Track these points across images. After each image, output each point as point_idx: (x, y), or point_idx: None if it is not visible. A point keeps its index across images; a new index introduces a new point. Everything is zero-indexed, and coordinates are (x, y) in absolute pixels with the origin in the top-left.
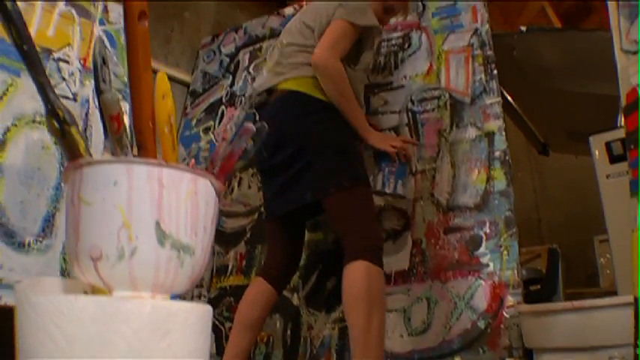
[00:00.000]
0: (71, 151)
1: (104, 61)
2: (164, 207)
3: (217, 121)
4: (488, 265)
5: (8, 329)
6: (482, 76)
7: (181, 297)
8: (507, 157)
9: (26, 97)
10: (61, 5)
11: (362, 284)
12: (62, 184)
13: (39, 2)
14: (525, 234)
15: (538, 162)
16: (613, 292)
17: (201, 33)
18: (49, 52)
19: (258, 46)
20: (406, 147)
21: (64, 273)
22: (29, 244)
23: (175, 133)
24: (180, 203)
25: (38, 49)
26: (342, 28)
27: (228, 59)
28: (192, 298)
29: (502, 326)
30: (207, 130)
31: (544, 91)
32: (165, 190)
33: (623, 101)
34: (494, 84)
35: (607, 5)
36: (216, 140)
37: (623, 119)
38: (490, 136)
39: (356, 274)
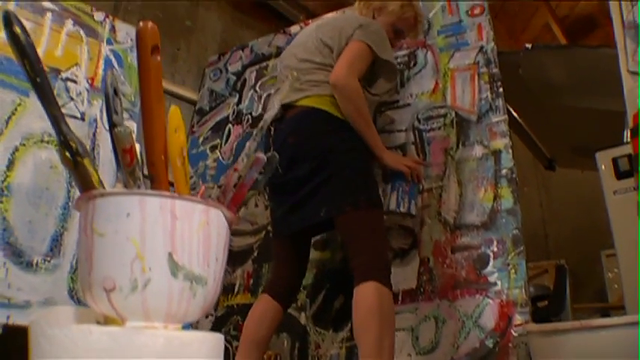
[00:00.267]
0: (84, 182)
1: (115, 92)
2: (177, 238)
3: (224, 140)
4: (495, 284)
5: (19, 348)
6: (489, 93)
7: (193, 325)
8: (514, 175)
9: (34, 117)
10: (69, 25)
11: (374, 305)
12: (70, 204)
13: (47, 22)
14: (532, 249)
15: (544, 177)
16: (621, 307)
17: (208, 51)
18: (57, 71)
19: (264, 64)
20: (419, 167)
21: (72, 293)
22: (37, 264)
23: (187, 166)
24: (192, 234)
25: (46, 69)
26: (360, 50)
27: (234, 77)
28: None
29: (510, 345)
30: (213, 149)
31: (550, 107)
32: (178, 221)
33: (630, 122)
34: (500, 102)
35: (612, 26)
36: (223, 158)
37: (629, 137)
38: (497, 154)
39: (367, 294)
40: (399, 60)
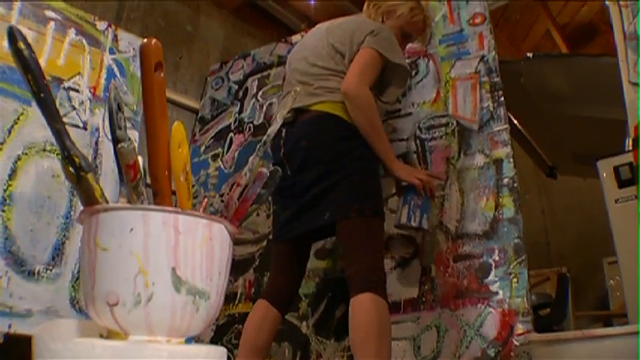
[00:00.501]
0: (87, 196)
1: (119, 107)
2: (180, 253)
3: (226, 148)
4: (497, 293)
5: (21, 357)
6: (490, 103)
7: (196, 339)
8: (515, 184)
9: (37, 126)
10: (72, 34)
11: (372, 318)
12: (72, 213)
13: (50, 32)
14: (534, 257)
15: (546, 184)
16: (623, 315)
17: (210, 60)
18: (59, 81)
19: (266, 73)
20: (432, 181)
21: (74, 302)
22: (39, 273)
23: (191, 181)
24: (195, 249)
25: (49, 78)
26: (371, 57)
27: (236, 86)
28: None
29: (512, 354)
30: (215, 157)
31: (551, 115)
32: (182, 236)
33: (631, 133)
34: (501, 111)
35: (613, 34)
36: (225, 167)
37: (630, 146)
38: (498, 163)
39: (365, 307)
40: None
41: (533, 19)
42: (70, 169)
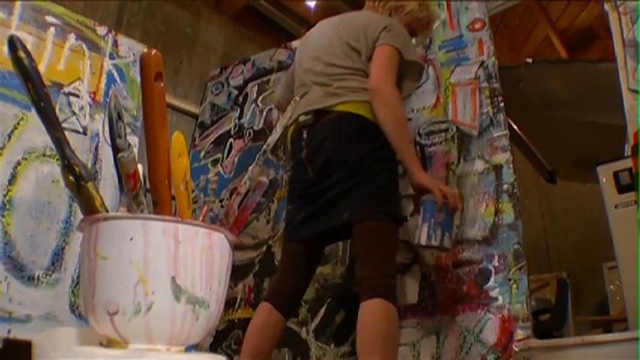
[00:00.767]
0: (87, 205)
1: (119, 116)
2: (180, 262)
3: (225, 154)
4: (497, 299)
5: None
6: (490, 108)
7: (196, 346)
8: (515, 190)
9: (37, 131)
10: (72, 40)
11: (381, 324)
12: (72, 218)
13: (50, 37)
14: (534, 261)
15: (546, 189)
16: (623, 320)
17: (210, 65)
18: (59, 86)
19: (266, 78)
20: (455, 198)
21: (73, 307)
22: (38, 278)
23: (191, 190)
24: (195, 258)
25: (49, 83)
26: (391, 55)
27: (236, 91)
28: None
29: None
30: (215, 162)
31: (551, 120)
32: (181, 245)
33: (631, 140)
34: (501, 116)
35: (612, 39)
36: (224, 172)
37: (630, 153)
38: (498, 168)
39: (375, 313)
40: None
41: (533, 24)
42: (70, 177)
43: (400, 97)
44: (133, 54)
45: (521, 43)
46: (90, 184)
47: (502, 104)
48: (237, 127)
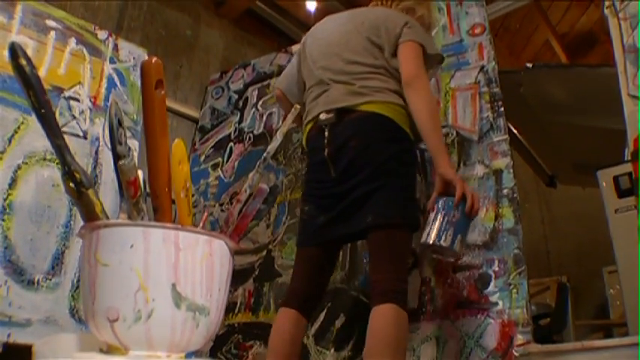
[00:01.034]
0: (87, 211)
1: (120, 123)
2: (180, 269)
3: (225, 158)
4: (497, 304)
5: None
6: (490, 113)
7: (196, 353)
8: (515, 195)
9: (37, 135)
10: (72, 44)
11: (392, 330)
12: (72, 223)
13: (51, 41)
14: (534, 265)
15: (546, 193)
16: (623, 324)
17: (210, 69)
18: (60, 90)
19: (266, 82)
20: (478, 200)
21: (73, 311)
22: (38, 282)
23: (191, 198)
24: (195, 265)
25: (49, 87)
26: (417, 50)
27: (236, 96)
28: None
29: None
30: (215, 167)
31: (550, 125)
32: (182, 252)
33: (631, 146)
34: (501, 121)
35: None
36: (224, 176)
37: (630, 158)
38: (498, 173)
39: (387, 317)
40: None
41: (533, 28)
42: (71, 184)
43: (430, 87)
44: (134, 58)
45: (522, 47)
46: (90, 191)
47: (502, 109)
48: (237, 132)
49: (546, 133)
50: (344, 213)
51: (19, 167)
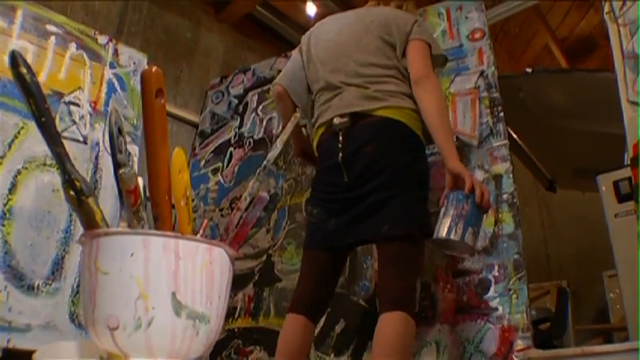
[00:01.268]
0: (88, 220)
1: (120, 131)
2: (180, 278)
3: (225, 163)
4: (497, 309)
5: None
6: (489, 118)
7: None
8: (515, 200)
9: (37, 140)
10: (73, 49)
11: (400, 338)
12: (72, 228)
13: (51, 46)
14: (534, 270)
15: (546, 197)
16: (623, 328)
17: (210, 74)
18: (60, 95)
19: (266, 87)
20: (489, 193)
21: (73, 316)
22: (38, 287)
23: (191, 206)
24: (195, 273)
25: (50, 92)
26: (426, 49)
27: (236, 100)
28: None
29: None
30: (215, 171)
31: (550, 129)
32: (182, 261)
33: (630, 152)
34: (501, 126)
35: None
36: (224, 181)
37: (629, 164)
38: (498, 178)
39: (395, 325)
40: None
41: (533, 32)
42: (71, 192)
43: (440, 85)
44: (134, 63)
45: (521, 52)
46: (91, 199)
47: (502, 114)
48: (237, 136)
49: (546, 137)
50: (356, 219)
51: (19, 172)
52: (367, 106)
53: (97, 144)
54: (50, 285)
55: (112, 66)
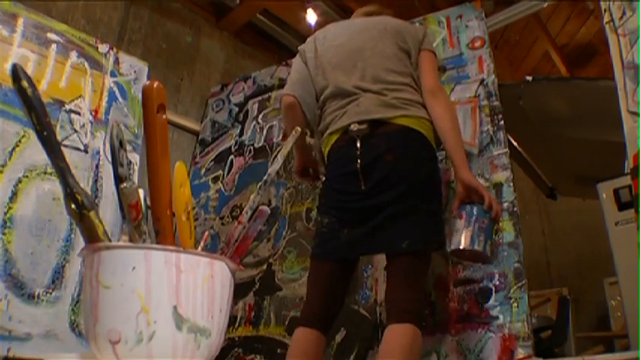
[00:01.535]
0: (89, 233)
1: (121, 144)
2: (181, 292)
3: (226, 171)
4: (497, 318)
5: None
6: (489, 127)
7: None
8: (515, 209)
9: (38, 149)
10: (74, 57)
11: (408, 351)
12: (72, 236)
13: (52, 54)
14: (535, 277)
15: (546, 204)
16: (624, 336)
17: (211, 82)
18: (61, 103)
19: (267, 95)
20: (499, 206)
21: (73, 325)
22: (38, 296)
23: (193, 220)
24: (197, 287)
25: (50, 100)
26: (435, 62)
27: (237, 108)
28: None
29: None
30: (216, 180)
31: (550, 137)
32: (183, 275)
33: (630, 163)
34: (501, 135)
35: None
36: (225, 189)
37: (630, 174)
38: (498, 187)
39: (404, 337)
40: None
41: (533, 40)
42: (73, 206)
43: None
44: (135, 71)
45: (521, 59)
46: (92, 213)
47: (502, 122)
48: (237, 145)
49: (546, 145)
50: (373, 231)
51: (19, 181)
52: (386, 114)
53: (98, 152)
54: (50, 294)
55: (112, 74)
